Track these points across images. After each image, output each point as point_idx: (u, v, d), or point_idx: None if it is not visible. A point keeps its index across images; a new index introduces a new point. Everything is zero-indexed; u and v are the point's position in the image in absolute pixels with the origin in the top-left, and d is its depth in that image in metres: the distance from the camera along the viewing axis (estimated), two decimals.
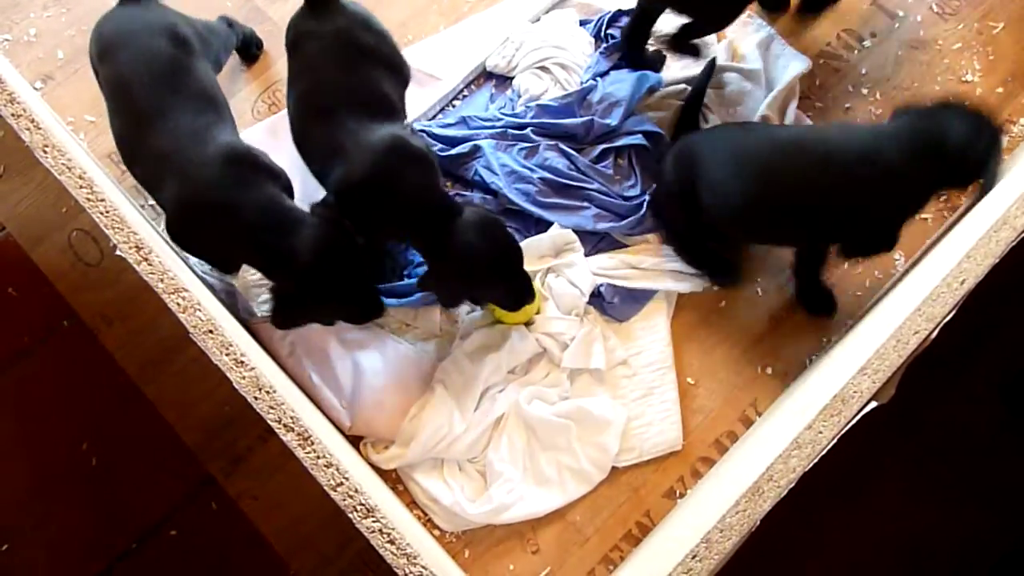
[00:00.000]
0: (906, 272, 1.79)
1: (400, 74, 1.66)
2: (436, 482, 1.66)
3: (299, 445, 1.17)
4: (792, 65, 1.96)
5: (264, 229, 1.43)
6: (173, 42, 1.52)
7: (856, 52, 2.03)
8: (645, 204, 1.80)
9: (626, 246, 1.83)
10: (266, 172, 1.50)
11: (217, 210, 1.42)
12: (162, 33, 1.52)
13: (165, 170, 1.44)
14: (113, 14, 1.58)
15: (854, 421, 1.21)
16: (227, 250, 1.50)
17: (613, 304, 1.78)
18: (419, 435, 1.63)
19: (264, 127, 1.91)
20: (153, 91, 1.46)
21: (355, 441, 1.71)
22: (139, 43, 1.50)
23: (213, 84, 1.57)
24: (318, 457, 1.17)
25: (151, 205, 1.78)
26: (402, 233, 1.55)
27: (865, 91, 1.98)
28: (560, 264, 1.76)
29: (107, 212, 1.21)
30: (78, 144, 1.76)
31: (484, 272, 1.53)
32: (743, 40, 1.99)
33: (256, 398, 1.17)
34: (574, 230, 1.78)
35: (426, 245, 1.52)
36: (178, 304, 1.18)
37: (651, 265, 1.78)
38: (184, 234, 1.48)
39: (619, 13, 1.97)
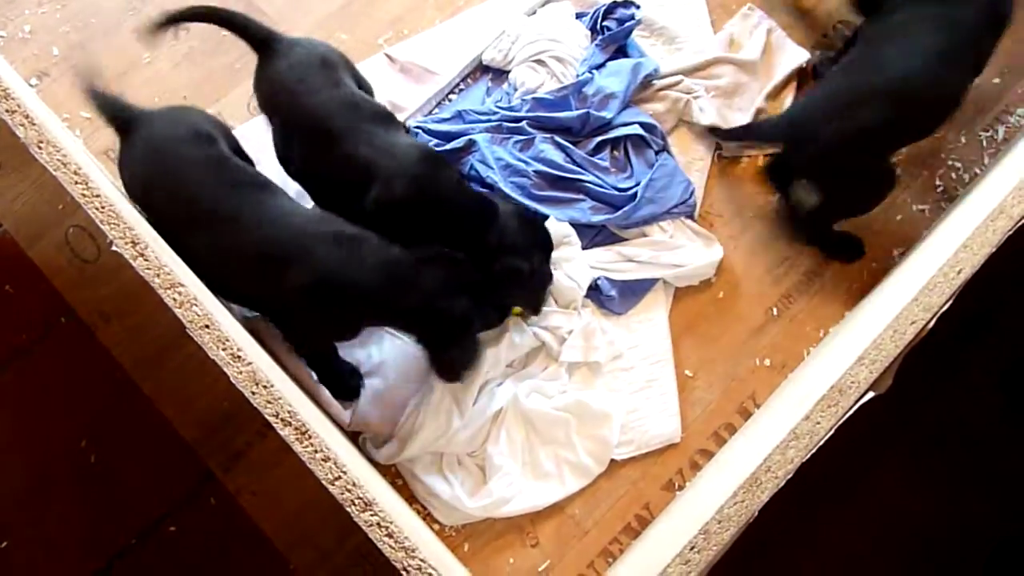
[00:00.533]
0: (903, 263, 1.79)
1: (369, 91, 1.69)
2: (435, 477, 1.66)
3: (297, 439, 1.16)
4: (790, 57, 1.96)
5: (390, 286, 1.43)
6: (205, 143, 1.49)
7: None
8: (639, 194, 1.80)
9: (623, 239, 1.83)
10: (356, 232, 1.49)
11: (338, 286, 1.42)
12: (190, 141, 1.47)
13: (272, 264, 1.42)
14: (134, 152, 1.49)
15: (852, 411, 1.21)
16: (357, 318, 1.51)
17: (611, 297, 1.78)
18: (418, 430, 1.63)
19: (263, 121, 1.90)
20: (219, 194, 1.43)
21: (354, 437, 1.71)
22: (177, 161, 1.45)
23: (247, 163, 1.55)
24: (316, 451, 1.17)
25: None
26: (451, 239, 1.55)
27: None
28: (557, 257, 1.76)
29: (102, 208, 1.21)
30: (74, 140, 1.75)
31: (545, 254, 1.60)
32: (742, 32, 1.99)
33: (254, 392, 1.17)
34: (570, 223, 1.78)
35: (479, 246, 1.53)
36: (174, 299, 1.17)
37: (648, 258, 1.78)
38: (320, 318, 1.48)
39: (614, 5, 1.97)
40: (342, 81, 1.58)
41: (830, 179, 1.69)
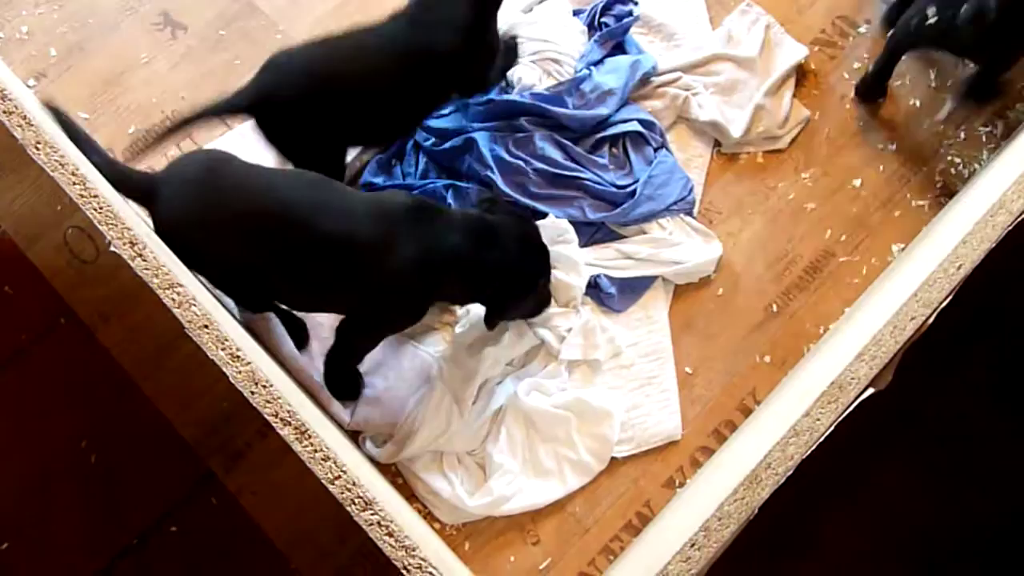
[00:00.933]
0: (902, 258, 1.79)
1: None
2: (435, 475, 1.66)
3: (296, 439, 1.16)
4: (789, 53, 1.96)
5: (479, 248, 1.47)
6: (240, 163, 1.48)
7: (851, 39, 2.02)
8: (638, 191, 1.79)
9: (622, 236, 1.83)
10: (428, 202, 1.52)
11: (438, 257, 1.45)
12: (229, 163, 1.47)
13: (368, 252, 1.42)
14: (175, 202, 1.43)
15: (851, 408, 1.21)
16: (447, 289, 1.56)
17: (611, 295, 1.77)
18: (417, 429, 1.63)
19: None
20: (292, 200, 1.41)
21: (354, 436, 1.70)
22: (233, 183, 1.43)
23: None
24: (315, 451, 1.17)
25: None
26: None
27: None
28: (555, 255, 1.76)
29: (100, 208, 1.21)
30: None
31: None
32: (740, 28, 1.99)
33: (253, 392, 1.16)
34: (569, 220, 1.77)
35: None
36: (173, 299, 1.17)
37: (647, 255, 1.78)
38: (420, 294, 1.52)
39: (612, 2, 1.96)
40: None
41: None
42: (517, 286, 1.54)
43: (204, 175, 1.44)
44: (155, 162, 1.82)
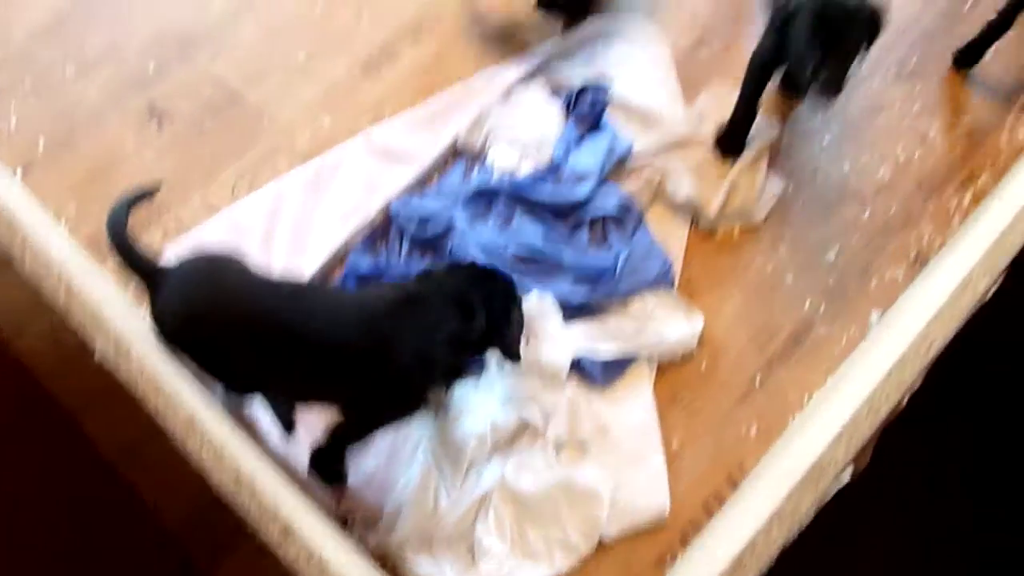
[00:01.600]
0: (877, 329, 1.81)
1: None
2: (425, 559, 1.64)
3: (281, 538, 1.16)
4: (761, 132, 2.01)
5: (464, 322, 1.50)
6: (247, 266, 1.51)
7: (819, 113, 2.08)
8: (618, 271, 1.82)
9: (604, 312, 1.85)
10: (411, 288, 1.55)
11: (436, 342, 1.48)
12: (234, 264, 1.51)
13: (373, 350, 1.44)
14: (176, 293, 1.46)
15: (834, 492, 1.22)
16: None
17: (595, 371, 1.78)
18: (406, 511, 1.62)
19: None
20: (294, 304, 1.46)
21: (343, 520, 1.69)
22: (238, 284, 1.47)
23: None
24: (300, 549, 1.16)
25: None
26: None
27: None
28: (539, 332, 1.77)
29: (85, 311, 1.22)
30: (59, 235, 1.76)
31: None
32: (712, 108, 2.04)
33: (236, 493, 1.17)
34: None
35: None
36: (155, 408, 1.18)
37: (630, 333, 1.80)
38: (426, 381, 1.55)
39: (587, 85, 2.03)
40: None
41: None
42: (503, 316, 1.57)
43: (205, 278, 1.48)
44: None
